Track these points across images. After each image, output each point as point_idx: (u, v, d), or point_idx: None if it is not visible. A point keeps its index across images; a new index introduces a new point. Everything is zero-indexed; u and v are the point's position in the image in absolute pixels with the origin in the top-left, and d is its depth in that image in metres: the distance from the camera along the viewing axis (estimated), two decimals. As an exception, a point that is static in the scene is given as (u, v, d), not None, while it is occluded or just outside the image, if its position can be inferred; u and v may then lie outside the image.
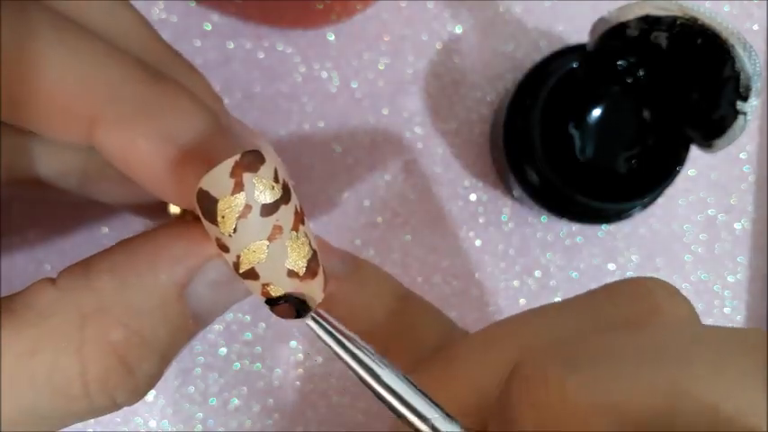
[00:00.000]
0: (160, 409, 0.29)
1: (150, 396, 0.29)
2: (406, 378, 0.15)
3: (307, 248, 0.14)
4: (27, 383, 0.14)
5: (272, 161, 0.14)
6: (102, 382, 0.14)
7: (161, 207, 0.18)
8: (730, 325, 0.31)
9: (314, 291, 0.15)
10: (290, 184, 0.15)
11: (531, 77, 0.28)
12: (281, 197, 0.14)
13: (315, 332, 0.15)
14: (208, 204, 0.14)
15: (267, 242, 0.14)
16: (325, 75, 0.29)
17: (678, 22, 0.23)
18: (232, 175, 0.13)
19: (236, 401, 0.29)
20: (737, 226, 0.31)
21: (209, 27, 0.29)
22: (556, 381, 0.14)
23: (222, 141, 0.15)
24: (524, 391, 0.14)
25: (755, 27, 0.31)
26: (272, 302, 0.14)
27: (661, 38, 0.24)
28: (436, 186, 0.30)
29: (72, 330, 0.14)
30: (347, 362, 0.15)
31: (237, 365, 0.29)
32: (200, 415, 0.29)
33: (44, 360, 0.14)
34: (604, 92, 0.27)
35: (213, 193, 0.14)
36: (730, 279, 0.31)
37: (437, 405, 0.15)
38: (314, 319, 0.15)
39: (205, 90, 0.18)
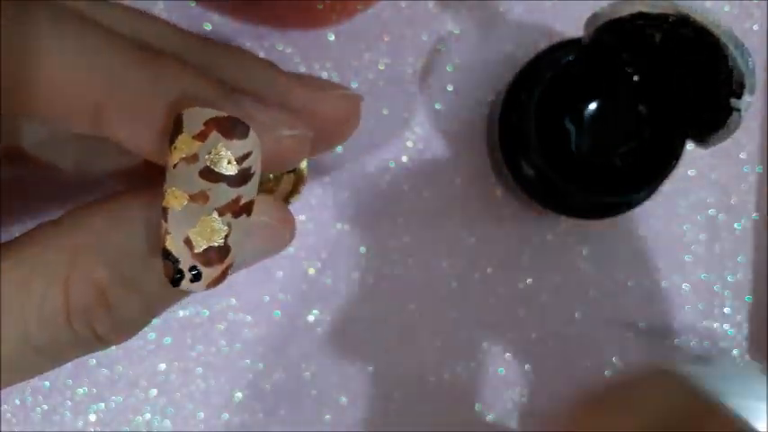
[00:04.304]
0: (161, 409, 0.29)
1: (152, 394, 0.29)
2: None
3: (217, 237, 0.14)
4: (19, 312, 0.14)
5: (252, 146, 0.14)
6: (82, 313, 0.15)
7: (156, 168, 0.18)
8: (729, 325, 0.31)
9: (201, 276, 0.15)
10: (254, 178, 0.14)
11: (525, 72, 0.28)
12: (230, 177, 0.14)
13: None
14: (175, 130, 0.14)
15: (188, 198, 0.14)
16: (325, 75, 0.29)
17: (670, 20, 0.23)
18: (205, 124, 0.14)
19: (237, 401, 0.29)
20: (737, 226, 0.31)
21: (209, 27, 0.29)
22: None
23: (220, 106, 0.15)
24: None
25: (755, 27, 0.31)
26: (163, 253, 0.15)
27: (655, 34, 0.24)
28: (436, 186, 0.30)
29: (62, 264, 0.15)
30: None
31: (239, 365, 0.29)
32: (202, 414, 0.29)
33: (36, 290, 0.14)
34: (600, 86, 0.27)
35: (184, 124, 0.14)
36: (730, 279, 0.31)
37: None
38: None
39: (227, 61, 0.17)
